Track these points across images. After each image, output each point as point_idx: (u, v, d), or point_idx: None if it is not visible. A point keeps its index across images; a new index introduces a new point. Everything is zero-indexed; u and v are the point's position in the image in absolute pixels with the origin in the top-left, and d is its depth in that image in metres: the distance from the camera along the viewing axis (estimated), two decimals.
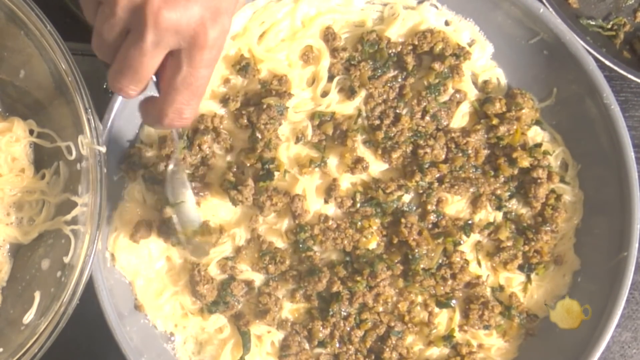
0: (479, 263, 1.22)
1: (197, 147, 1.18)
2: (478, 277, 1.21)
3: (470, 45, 1.23)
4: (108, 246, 1.18)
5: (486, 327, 1.22)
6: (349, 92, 1.20)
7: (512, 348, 1.24)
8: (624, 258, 1.15)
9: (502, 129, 1.19)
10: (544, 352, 1.21)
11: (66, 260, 1.05)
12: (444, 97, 1.22)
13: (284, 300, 1.22)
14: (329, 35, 1.19)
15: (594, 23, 1.35)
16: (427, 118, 1.20)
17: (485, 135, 1.22)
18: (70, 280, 1.03)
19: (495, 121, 1.20)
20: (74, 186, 1.10)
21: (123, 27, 0.82)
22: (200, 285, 1.18)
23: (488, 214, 1.23)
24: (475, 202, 1.22)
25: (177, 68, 0.85)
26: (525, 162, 1.19)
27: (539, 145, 1.22)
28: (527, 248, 1.21)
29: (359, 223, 1.19)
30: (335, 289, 1.19)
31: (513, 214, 1.23)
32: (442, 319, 1.23)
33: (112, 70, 0.86)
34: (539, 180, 1.19)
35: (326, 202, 1.20)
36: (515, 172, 1.21)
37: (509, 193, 1.22)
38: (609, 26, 1.37)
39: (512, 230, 1.22)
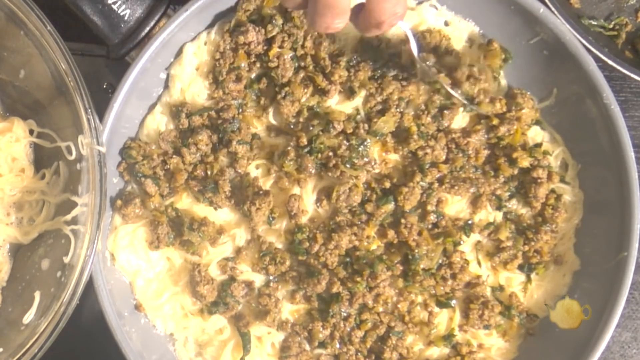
0: (479, 263, 1.22)
1: (194, 146, 1.18)
2: (478, 277, 1.21)
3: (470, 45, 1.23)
4: (108, 246, 1.18)
5: (486, 327, 1.21)
6: (348, 93, 1.20)
7: (512, 348, 1.24)
8: (624, 258, 1.15)
9: (502, 129, 1.19)
10: (544, 352, 1.21)
11: (66, 260, 1.06)
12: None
13: (284, 301, 1.22)
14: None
15: (595, 23, 1.35)
16: (428, 119, 1.20)
17: (486, 136, 1.22)
18: (70, 280, 1.03)
19: (495, 121, 1.20)
20: (74, 186, 1.10)
21: None
22: (201, 285, 1.18)
23: (488, 214, 1.23)
24: (475, 202, 1.22)
25: None
26: (525, 162, 1.19)
27: (539, 145, 1.21)
28: (527, 248, 1.21)
29: (359, 228, 1.19)
30: (335, 289, 1.19)
31: (513, 214, 1.23)
32: (442, 318, 1.23)
33: (311, 14, 0.91)
34: (539, 180, 1.19)
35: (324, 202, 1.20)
36: (516, 172, 1.21)
37: (509, 193, 1.22)
38: (611, 26, 1.36)
39: (512, 230, 1.22)
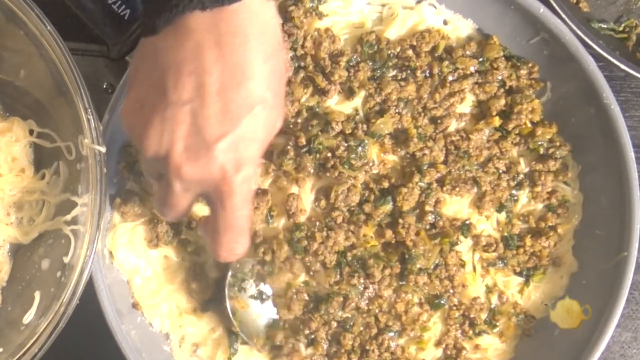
0: (474, 268, 1.22)
1: None
2: (473, 279, 1.22)
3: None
4: (106, 243, 1.18)
5: (469, 338, 1.22)
6: (347, 93, 1.20)
7: (509, 349, 1.24)
8: (624, 258, 1.15)
9: (511, 125, 1.20)
10: (544, 352, 1.21)
11: (66, 260, 1.05)
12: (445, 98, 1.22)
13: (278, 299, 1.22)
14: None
15: (605, 26, 1.34)
16: (425, 121, 1.20)
17: (486, 135, 1.22)
18: (70, 280, 1.03)
19: (497, 121, 1.20)
20: (74, 186, 1.10)
21: (158, 173, 0.89)
22: (196, 283, 1.18)
23: (489, 215, 1.22)
24: (477, 203, 1.22)
25: (215, 212, 0.89)
26: (545, 135, 1.20)
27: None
28: (525, 258, 1.21)
29: (356, 226, 1.19)
30: (330, 289, 1.19)
31: (513, 214, 1.23)
32: (437, 319, 1.23)
33: (155, 200, 0.95)
34: (549, 171, 1.20)
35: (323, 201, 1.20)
36: (523, 169, 1.22)
37: (511, 191, 1.22)
38: (621, 29, 1.35)
39: (511, 235, 1.22)
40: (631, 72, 1.23)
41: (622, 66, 1.22)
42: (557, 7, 1.20)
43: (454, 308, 1.22)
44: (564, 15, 1.19)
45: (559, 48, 1.17)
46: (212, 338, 1.23)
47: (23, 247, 1.17)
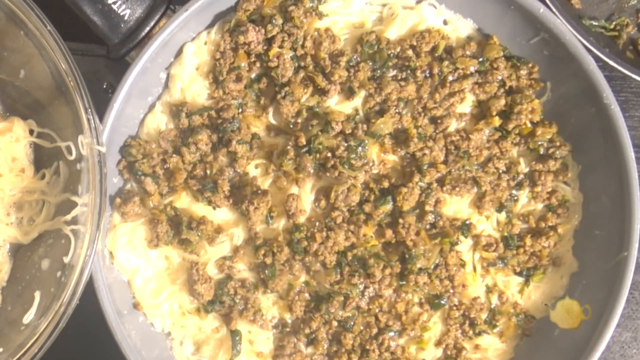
0: (474, 268, 1.22)
1: (194, 146, 1.18)
2: (473, 277, 1.22)
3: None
4: (107, 244, 1.18)
5: (469, 338, 1.22)
6: (348, 93, 1.20)
7: (509, 349, 1.24)
8: (624, 258, 1.15)
9: (511, 125, 1.19)
10: (544, 353, 1.21)
11: (66, 260, 1.06)
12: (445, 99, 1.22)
13: (279, 300, 1.22)
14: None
15: (596, 24, 1.34)
16: (425, 120, 1.20)
17: (486, 135, 1.22)
18: (70, 280, 1.04)
19: (497, 121, 1.20)
20: (74, 186, 1.10)
21: None
22: (198, 284, 1.18)
23: (489, 215, 1.22)
24: (477, 203, 1.22)
25: None
26: (545, 136, 1.20)
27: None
28: (525, 258, 1.22)
29: (356, 226, 1.19)
30: (331, 289, 1.19)
31: (512, 214, 1.23)
32: (437, 320, 1.23)
33: None
34: (549, 171, 1.20)
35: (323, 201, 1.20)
36: (523, 169, 1.22)
37: (511, 191, 1.22)
38: (612, 27, 1.36)
39: (511, 235, 1.22)
40: (621, 69, 1.23)
41: (611, 62, 1.23)
42: (549, 3, 1.20)
43: (454, 308, 1.22)
44: (555, 10, 1.19)
45: (559, 48, 1.17)
46: (216, 338, 1.23)
47: (23, 247, 1.17)
